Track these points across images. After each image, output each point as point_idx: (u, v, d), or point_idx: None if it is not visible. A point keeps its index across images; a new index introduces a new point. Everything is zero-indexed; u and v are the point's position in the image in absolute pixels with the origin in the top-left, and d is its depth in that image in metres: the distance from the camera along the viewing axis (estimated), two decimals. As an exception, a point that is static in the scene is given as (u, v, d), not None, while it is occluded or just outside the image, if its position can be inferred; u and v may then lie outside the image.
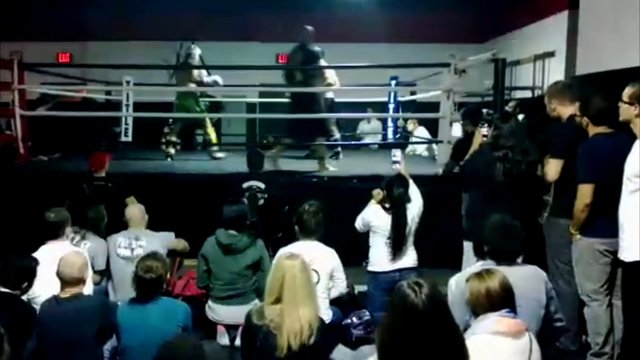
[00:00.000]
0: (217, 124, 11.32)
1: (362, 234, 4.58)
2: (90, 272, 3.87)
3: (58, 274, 3.42)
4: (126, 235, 4.55)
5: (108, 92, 10.74)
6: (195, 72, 8.15)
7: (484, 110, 5.87)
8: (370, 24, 11.43)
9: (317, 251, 4.07)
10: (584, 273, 3.77)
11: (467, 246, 4.24)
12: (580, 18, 6.24)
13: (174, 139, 8.41)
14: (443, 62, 7.15)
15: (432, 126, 9.13)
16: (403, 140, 10.30)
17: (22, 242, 4.11)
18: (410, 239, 4.46)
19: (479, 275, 2.79)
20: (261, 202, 5.60)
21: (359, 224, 4.58)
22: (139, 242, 4.49)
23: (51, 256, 3.72)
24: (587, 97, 3.86)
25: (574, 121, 4.03)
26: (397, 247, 4.36)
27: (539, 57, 9.76)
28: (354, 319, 4.20)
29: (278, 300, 2.92)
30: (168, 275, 3.68)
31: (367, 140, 11.28)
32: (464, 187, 4.81)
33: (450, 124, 6.95)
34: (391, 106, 10.48)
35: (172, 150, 8.26)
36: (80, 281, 3.47)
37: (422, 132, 10.17)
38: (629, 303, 3.55)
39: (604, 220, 3.63)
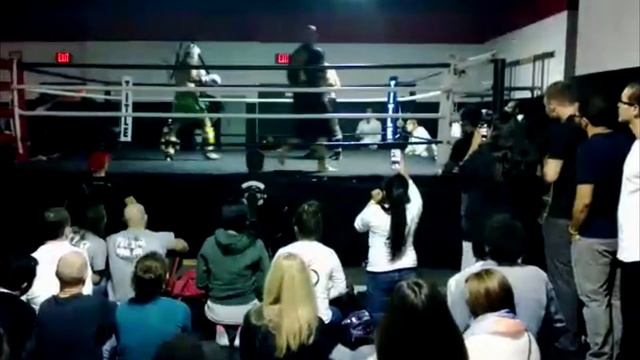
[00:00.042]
0: (216, 124, 11.35)
1: (361, 234, 4.58)
2: (89, 272, 3.87)
3: (57, 274, 3.42)
4: (125, 235, 4.55)
5: (107, 92, 10.74)
6: (194, 71, 8.15)
7: (484, 111, 5.87)
8: (370, 24, 11.43)
9: (316, 251, 4.07)
10: (583, 273, 3.77)
11: (467, 246, 4.24)
12: (580, 18, 6.25)
13: (173, 139, 8.41)
14: (442, 63, 7.15)
15: (431, 126, 9.13)
16: (402, 140, 10.30)
17: (21, 242, 4.11)
18: (410, 239, 4.46)
19: (478, 275, 2.79)
20: (260, 202, 5.59)
21: (358, 224, 4.58)
22: (138, 242, 4.49)
23: (50, 256, 3.72)
24: (587, 97, 3.86)
25: (573, 121, 4.04)
26: (396, 247, 4.36)
27: (539, 58, 9.76)
28: (354, 319, 4.20)
29: (277, 300, 2.92)
30: (167, 276, 3.67)
31: (366, 140, 11.29)
32: (464, 187, 4.81)
33: (450, 124, 6.95)
34: (390, 106, 10.48)
35: (171, 150, 8.26)
36: (80, 281, 3.47)
37: (421, 133, 10.17)
38: (628, 303, 3.55)
39: (603, 221, 3.64)
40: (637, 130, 3.43)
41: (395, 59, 9.27)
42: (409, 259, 4.44)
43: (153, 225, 4.78)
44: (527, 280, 3.07)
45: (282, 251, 3.77)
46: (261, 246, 4.42)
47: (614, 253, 3.58)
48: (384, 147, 9.59)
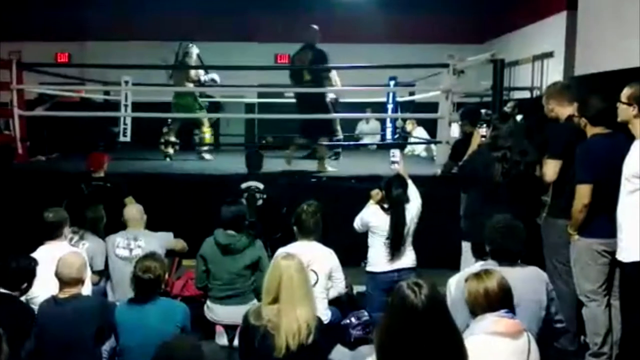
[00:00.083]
0: (215, 124, 11.36)
1: (360, 234, 4.58)
2: (88, 273, 3.86)
3: (57, 275, 3.42)
4: (125, 236, 4.55)
5: (107, 92, 10.74)
6: (193, 71, 8.15)
7: (483, 111, 5.87)
8: (369, 24, 11.44)
9: (315, 251, 4.07)
10: (582, 273, 3.77)
11: (466, 246, 4.24)
12: (579, 19, 6.25)
13: (172, 139, 8.41)
14: (442, 63, 7.15)
15: (430, 126, 9.13)
16: (402, 140, 10.31)
17: (20, 242, 4.10)
18: (409, 239, 4.46)
19: (477, 275, 2.79)
20: (260, 202, 5.60)
21: (357, 224, 4.58)
22: (138, 242, 4.48)
23: (50, 256, 3.72)
24: (586, 97, 3.86)
25: (572, 122, 4.04)
26: (395, 247, 4.36)
27: (538, 58, 9.76)
28: (353, 320, 4.20)
29: (275, 300, 2.92)
30: (166, 276, 3.68)
31: (365, 140, 11.30)
32: (463, 187, 4.81)
33: (449, 125, 6.95)
34: (390, 106, 10.47)
35: (170, 151, 8.26)
36: (79, 281, 3.47)
37: (420, 133, 10.18)
38: (627, 303, 3.55)
39: (602, 221, 3.64)
40: (636, 131, 3.44)
41: (395, 59, 9.27)
42: (408, 259, 4.44)
43: (152, 225, 4.78)
44: (527, 280, 3.08)
45: (282, 251, 3.77)
46: (260, 246, 4.42)
47: (613, 253, 3.59)
48: (383, 147, 9.60)
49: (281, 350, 2.82)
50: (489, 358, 2.50)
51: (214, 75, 8.40)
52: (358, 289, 4.87)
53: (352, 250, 4.58)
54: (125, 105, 8.00)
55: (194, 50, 8.32)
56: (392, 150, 4.95)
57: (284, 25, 11.71)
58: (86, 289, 3.73)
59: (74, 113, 8.57)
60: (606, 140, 3.71)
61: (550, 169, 3.99)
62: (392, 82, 10.24)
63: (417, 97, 10.36)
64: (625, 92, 3.49)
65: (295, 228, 4.18)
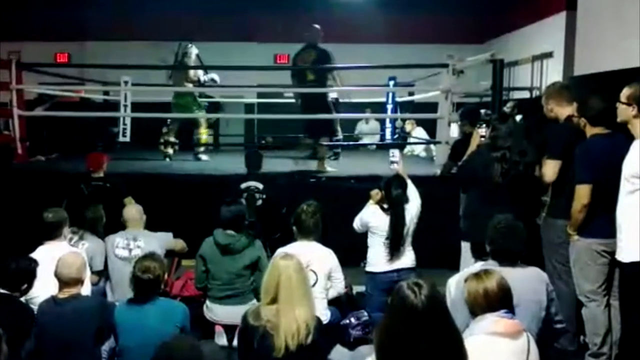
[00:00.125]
0: (215, 124, 11.37)
1: (360, 234, 4.58)
2: (88, 273, 3.87)
3: (56, 275, 3.42)
4: (124, 236, 4.55)
5: (106, 92, 10.73)
6: (192, 71, 8.15)
7: (482, 111, 5.86)
8: (369, 24, 11.43)
9: (315, 251, 4.07)
10: (582, 273, 3.77)
11: (465, 247, 4.24)
12: (579, 19, 6.25)
13: (172, 139, 8.40)
14: (441, 63, 7.15)
15: (430, 127, 9.13)
16: (401, 140, 10.31)
17: (20, 242, 4.10)
18: (409, 240, 4.46)
19: (477, 275, 2.79)
20: (259, 202, 5.59)
21: (357, 224, 4.58)
22: (137, 242, 4.48)
23: (49, 256, 3.72)
24: (585, 98, 3.86)
25: (571, 122, 4.03)
26: (395, 247, 4.36)
27: (537, 58, 9.77)
28: (352, 320, 4.18)
29: (274, 300, 2.92)
30: (166, 276, 3.68)
31: (365, 140, 11.30)
32: (462, 187, 4.82)
33: (449, 125, 6.95)
34: (389, 107, 10.47)
35: (170, 151, 8.26)
36: (79, 282, 3.47)
37: (420, 133, 10.19)
38: (627, 303, 3.55)
39: (601, 221, 3.64)
40: (636, 131, 3.44)
41: (394, 59, 9.27)
42: (407, 259, 4.44)
43: (152, 225, 4.78)
44: (527, 281, 3.08)
45: (281, 251, 3.77)
46: (260, 246, 4.42)
47: (612, 253, 3.59)
48: (383, 147, 9.60)
49: (280, 350, 2.82)
50: (489, 358, 2.50)
51: (214, 75, 8.40)
52: (357, 289, 4.87)
53: (351, 250, 4.58)
54: (125, 106, 8.00)
55: (193, 50, 8.32)
56: (391, 151, 4.95)
57: (283, 26, 11.72)
58: (86, 289, 3.73)
59: (74, 113, 8.56)
60: (606, 141, 3.71)
61: (550, 169, 3.99)
62: (391, 82, 10.24)
63: (416, 97, 10.35)
64: (625, 92, 3.49)
65: (294, 228, 4.18)
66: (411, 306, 2.01)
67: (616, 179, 3.45)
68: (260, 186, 5.62)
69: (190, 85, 8.18)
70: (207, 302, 4.37)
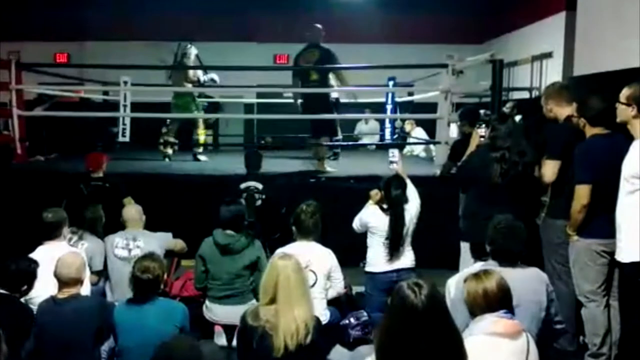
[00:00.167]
0: (215, 125, 11.36)
1: (359, 234, 4.58)
2: (87, 273, 3.86)
3: (56, 275, 3.42)
4: (123, 236, 4.55)
5: (105, 93, 10.72)
6: (191, 71, 8.15)
7: (482, 111, 5.86)
8: (369, 24, 11.42)
9: (314, 252, 4.07)
10: (581, 274, 3.77)
11: (464, 247, 4.24)
12: (578, 19, 6.25)
13: (171, 139, 8.40)
14: (441, 63, 7.15)
15: (429, 127, 9.13)
16: (401, 140, 10.31)
17: (19, 242, 4.10)
18: (408, 240, 4.46)
19: (476, 276, 2.79)
20: (259, 202, 5.58)
21: (356, 224, 4.58)
22: (137, 242, 4.49)
23: (49, 257, 3.72)
24: (585, 98, 3.86)
25: (571, 122, 4.03)
26: (394, 247, 4.36)
27: (537, 58, 9.75)
28: (352, 320, 4.20)
29: (273, 300, 2.92)
30: (165, 276, 3.68)
31: (364, 140, 11.30)
32: (462, 188, 4.82)
33: (448, 125, 6.95)
34: (389, 107, 10.47)
35: (169, 151, 8.26)
36: (78, 282, 3.47)
37: (419, 133, 10.19)
38: (626, 304, 3.55)
39: (601, 221, 3.64)
40: (635, 131, 3.44)
41: (394, 59, 9.27)
42: (407, 259, 4.44)
43: (151, 225, 4.78)
44: (527, 281, 3.08)
45: (280, 251, 3.77)
46: (259, 246, 4.42)
47: (612, 253, 3.59)
48: (382, 147, 9.60)
49: (279, 350, 2.82)
50: (488, 358, 2.50)
51: (213, 75, 8.41)
52: (357, 289, 4.87)
53: (351, 250, 4.58)
54: (124, 106, 7.99)
55: (193, 51, 8.32)
56: (390, 151, 4.95)
57: (283, 26, 11.72)
58: (85, 289, 3.73)
59: (73, 113, 8.56)
60: (605, 141, 3.71)
61: (549, 169, 3.99)
62: (391, 83, 10.24)
63: (416, 98, 10.35)
64: (624, 93, 3.49)
65: (294, 228, 4.18)
66: (411, 306, 2.01)
67: (616, 179, 3.45)
68: (260, 186, 5.61)
69: (190, 85, 8.18)
70: (207, 302, 4.37)
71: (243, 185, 5.59)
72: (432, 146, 8.62)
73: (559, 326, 3.20)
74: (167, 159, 8.10)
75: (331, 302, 4.22)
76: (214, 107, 11.07)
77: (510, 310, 2.70)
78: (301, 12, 10.86)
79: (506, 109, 6.06)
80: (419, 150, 9.77)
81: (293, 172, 6.85)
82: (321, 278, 4.02)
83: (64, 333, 3.30)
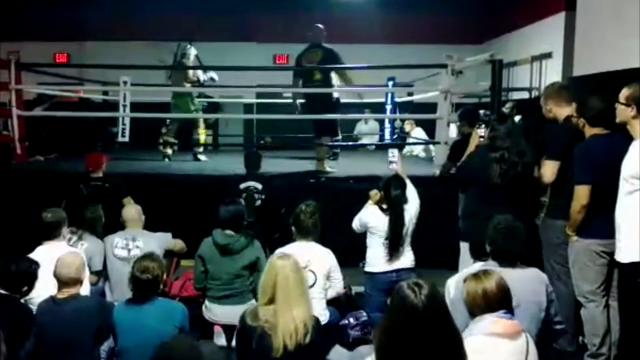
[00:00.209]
0: (214, 125, 11.36)
1: (359, 234, 4.58)
2: (87, 273, 3.87)
3: (55, 275, 3.42)
4: (123, 236, 4.55)
5: (105, 93, 10.72)
6: (191, 72, 8.15)
7: (481, 111, 5.87)
8: (368, 24, 11.43)
9: (314, 252, 4.07)
10: (581, 274, 3.77)
11: (464, 247, 4.24)
12: (578, 19, 6.25)
13: (171, 139, 8.40)
14: (440, 63, 7.14)
15: (429, 127, 9.13)
16: (400, 141, 10.31)
17: (19, 242, 4.10)
18: (408, 240, 4.46)
19: (476, 276, 2.79)
20: (258, 202, 5.59)
21: (356, 224, 4.58)
22: (136, 242, 4.49)
23: (48, 257, 3.72)
24: (584, 98, 3.86)
25: (570, 122, 4.03)
26: (394, 247, 4.37)
27: (536, 58, 9.75)
28: (351, 320, 4.20)
29: (271, 300, 2.92)
30: (165, 276, 3.68)
31: (364, 141, 11.30)
32: (461, 188, 4.82)
33: (448, 125, 6.95)
34: (388, 107, 10.46)
35: (169, 151, 8.26)
36: (78, 282, 3.47)
37: (419, 133, 10.19)
38: (626, 304, 3.55)
39: (600, 222, 3.64)
40: (635, 131, 3.43)
41: (393, 59, 9.26)
42: (406, 259, 4.44)
43: (151, 225, 4.78)
44: (527, 282, 3.08)
45: (279, 251, 3.77)
46: (259, 246, 4.42)
47: (611, 254, 3.59)
48: (382, 147, 9.60)
49: (279, 350, 2.82)
50: (488, 359, 2.50)
51: (213, 74, 8.42)
52: (356, 289, 4.87)
53: (350, 250, 4.58)
54: (124, 106, 7.99)
55: (192, 51, 8.32)
56: (390, 151, 4.95)
57: (283, 26, 11.72)
58: (85, 289, 3.73)
59: (73, 113, 8.55)
60: (605, 141, 3.71)
61: (549, 169, 3.98)
62: (390, 83, 10.23)
63: (415, 98, 10.35)
64: (624, 93, 3.48)
65: (293, 228, 4.18)
66: (411, 306, 2.01)
67: (615, 179, 3.45)
68: (260, 186, 5.61)
69: (189, 85, 8.18)
70: (206, 302, 4.37)
71: (242, 186, 5.59)
72: (431, 146, 8.62)
73: (558, 326, 3.21)
74: (166, 159, 8.11)
75: (330, 302, 4.22)
76: (214, 107, 11.07)
77: (509, 310, 2.70)
78: (301, 12, 10.87)
79: (506, 109, 6.07)
80: (418, 150, 9.77)
81: (292, 172, 6.85)
82: (320, 278, 4.02)
83: (63, 333, 3.30)
